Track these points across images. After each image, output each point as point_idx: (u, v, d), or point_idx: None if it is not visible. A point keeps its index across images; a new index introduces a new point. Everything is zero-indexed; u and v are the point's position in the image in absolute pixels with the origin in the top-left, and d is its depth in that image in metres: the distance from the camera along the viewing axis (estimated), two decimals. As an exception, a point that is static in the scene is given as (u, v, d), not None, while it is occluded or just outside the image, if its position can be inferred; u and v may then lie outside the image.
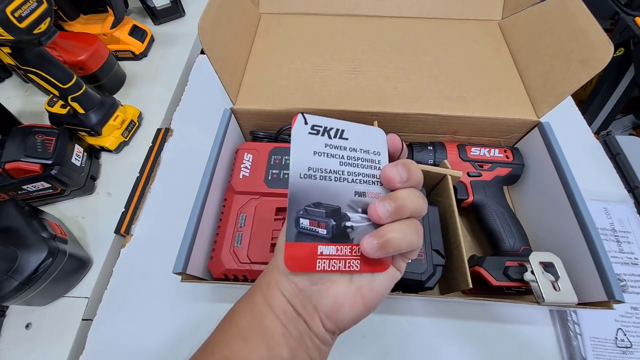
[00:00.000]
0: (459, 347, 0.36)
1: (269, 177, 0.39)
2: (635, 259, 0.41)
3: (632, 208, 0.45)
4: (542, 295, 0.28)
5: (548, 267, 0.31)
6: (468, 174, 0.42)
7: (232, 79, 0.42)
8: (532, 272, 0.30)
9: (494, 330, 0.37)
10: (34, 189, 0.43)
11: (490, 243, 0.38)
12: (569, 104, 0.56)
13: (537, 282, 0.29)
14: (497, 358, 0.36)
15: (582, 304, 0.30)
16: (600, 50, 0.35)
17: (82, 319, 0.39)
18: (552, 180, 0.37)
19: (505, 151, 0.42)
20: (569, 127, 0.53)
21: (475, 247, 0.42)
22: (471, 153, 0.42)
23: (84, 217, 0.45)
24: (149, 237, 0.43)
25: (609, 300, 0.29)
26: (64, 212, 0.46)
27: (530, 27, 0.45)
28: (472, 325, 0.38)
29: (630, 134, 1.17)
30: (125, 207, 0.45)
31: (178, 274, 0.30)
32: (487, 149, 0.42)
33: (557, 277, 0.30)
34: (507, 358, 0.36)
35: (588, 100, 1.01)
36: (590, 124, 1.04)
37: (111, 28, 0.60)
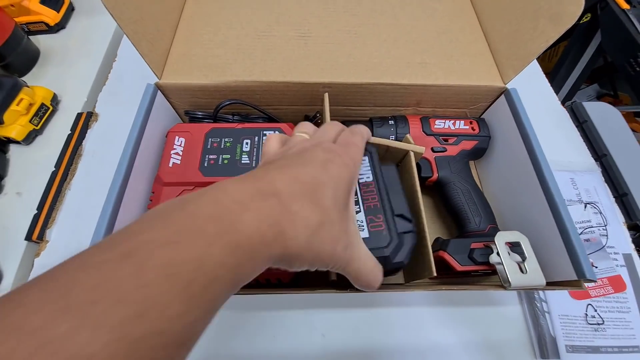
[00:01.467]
0: (426, 334, 0.34)
1: (205, 164, 0.33)
2: (605, 229, 0.40)
3: (599, 177, 0.44)
4: (507, 279, 0.25)
5: (515, 247, 0.28)
6: (432, 149, 0.38)
7: (154, 47, 0.35)
8: (498, 254, 0.27)
9: (461, 314, 0.35)
10: None
11: (456, 223, 0.35)
12: (536, 70, 0.53)
13: (503, 264, 0.26)
14: (465, 341, 0.34)
15: (551, 284, 0.28)
16: (570, 3, 0.31)
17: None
18: (520, 152, 0.34)
19: (471, 122, 0.39)
20: (536, 94, 0.50)
21: (442, 228, 0.39)
22: (435, 126, 0.38)
23: (-12, 223, 0.37)
24: (68, 243, 0.36)
25: (579, 279, 0.27)
26: (-37, 218, 0.38)
27: (495, -18, 0.41)
28: (439, 310, 0.35)
29: (594, 104, 1.20)
30: (37, 209, 0.37)
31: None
32: (452, 121, 0.39)
33: (523, 257, 0.27)
34: (475, 341, 0.34)
35: (554, 71, 1.00)
36: (555, 93, 1.05)
37: (19, -4, 0.49)
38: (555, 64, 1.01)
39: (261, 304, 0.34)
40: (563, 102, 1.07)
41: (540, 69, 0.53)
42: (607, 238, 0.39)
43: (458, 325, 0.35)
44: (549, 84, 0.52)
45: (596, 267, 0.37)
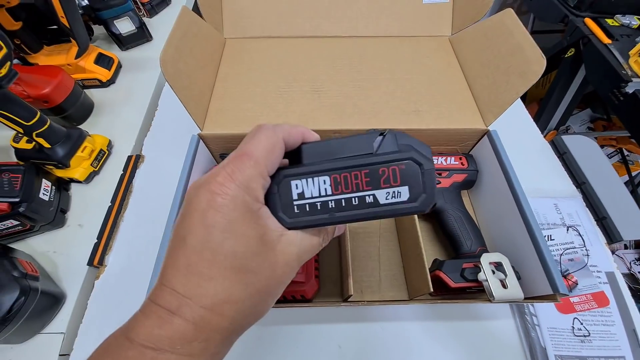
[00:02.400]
0: (428, 346, 0.38)
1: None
2: (587, 249, 0.45)
3: (581, 202, 0.49)
4: (492, 293, 0.31)
5: (499, 266, 0.34)
6: (428, 182, 0.44)
7: (198, 106, 0.43)
8: (484, 273, 0.33)
9: (460, 327, 0.40)
10: (3, 227, 0.42)
11: (452, 246, 0.41)
12: (520, 109, 0.60)
13: (487, 281, 0.32)
14: (463, 353, 0.38)
15: (531, 298, 0.33)
16: (534, 63, 0.39)
17: (60, 354, 0.38)
18: (501, 183, 0.40)
19: (460, 158, 0.45)
20: (521, 131, 0.57)
21: (441, 250, 0.45)
22: (430, 162, 0.45)
23: (55, 252, 0.45)
24: (124, 267, 0.43)
25: (554, 293, 0.32)
26: (35, 247, 0.45)
27: (475, 42, 0.49)
28: (440, 325, 0.40)
29: (589, 127, 1.26)
30: (97, 238, 0.45)
31: (150, 303, 0.31)
32: (444, 158, 0.45)
33: (505, 275, 0.32)
34: (473, 352, 0.38)
35: (546, 98, 1.08)
36: (549, 120, 1.11)
37: (76, 58, 0.60)
38: (547, 92, 1.08)
39: (285, 319, 0.40)
40: (557, 127, 1.13)
41: (525, 109, 0.60)
42: (589, 257, 0.44)
43: (459, 337, 0.39)
44: (533, 122, 0.58)
45: (577, 285, 0.42)
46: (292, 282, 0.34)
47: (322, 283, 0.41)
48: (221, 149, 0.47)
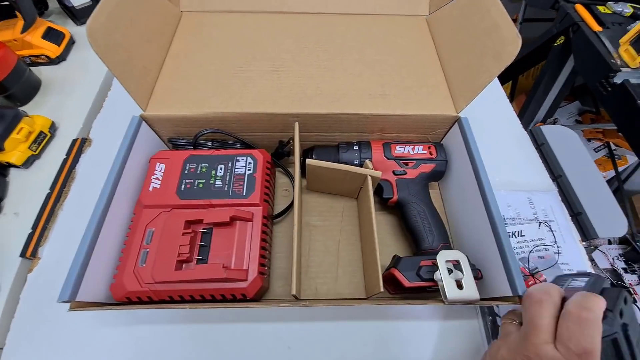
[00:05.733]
0: (388, 348, 0.36)
1: (182, 188, 0.37)
2: (558, 246, 0.43)
3: (556, 196, 0.47)
4: (445, 294, 0.28)
5: (458, 264, 0.31)
6: (394, 172, 0.41)
7: (140, 84, 0.39)
8: (440, 272, 0.30)
9: (419, 327, 0.37)
10: None
11: (413, 242, 0.38)
12: (500, 96, 0.57)
13: (442, 281, 0.29)
14: (424, 354, 0.36)
15: (488, 299, 0.31)
16: (509, 43, 0.35)
17: (-12, 351, 0.35)
18: (469, 175, 0.37)
19: (429, 147, 0.42)
20: (500, 119, 0.53)
21: (404, 247, 0.42)
22: (396, 151, 0.42)
23: (-13, 241, 0.41)
24: (59, 259, 0.40)
25: (514, 295, 0.29)
26: (-35, 236, 0.41)
27: (451, 22, 0.45)
28: (397, 325, 0.37)
29: (577, 120, 1.23)
30: (32, 228, 0.41)
31: (65, 302, 0.28)
32: (412, 146, 0.42)
33: (463, 274, 0.30)
34: (434, 354, 0.36)
35: (533, 88, 1.04)
36: (535, 112, 1.08)
37: (22, 32, 0.55)
38: (534, 83, 1.05)
39: (232, 317, 0.37)
40: (544, 120, 1.10)
41: (505, 95, 0.57)
42: (560, 255, 0.41)
43: (422, 337, 0.37)
44: (512, 109, 0.55)
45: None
46: (230, 279, 0.31)
47: (273, 279, 0.38)
48: (170, 132, 0.43)
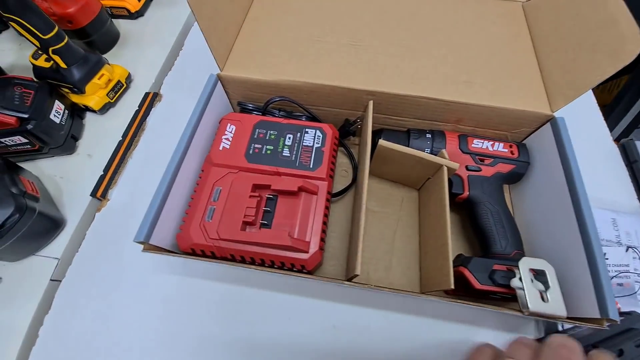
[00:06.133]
0: (436, 347, 0.34)
1: (250, 152, 0.36)
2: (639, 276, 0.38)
3: (644, 221, 0.42)
4: (527, 304, 0.26)
5: (539, 275, 0.28)
6: (467, 167, 0.38)
7: (221, 42, 0.39)
8: (520, 279, 0.27)
9: (475, 333, 0.35)
10: (12, 143, 0.41)
11: (481, 243, 0.36)
12: (590, 101, 0.51)
13: (524, 290, 0.26)
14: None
15: (572, 319, 0.28)
16: (629, 41, 0.31)
17: (51, 279, 0.38)
18: (559, 183, 0.34)
19: (510, 146, 0.39)
20: (586, 127, 0.48)
21: (465, 246, 0.39)
22: (473, 145, 0.38)
23: (62, 177, 0.44)
24: (125, 203, 0.41)
25: (602, 317, 0.26)
26: (43, 170, 0.44)
27: (556, 11, 0.40)
28: (451, 326, 0.35)
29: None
30: (104, 171, 0.43)
31: (140, 242, 0.28)
32: (491, 142, 0.39)
33: (547, 286, 0.27)
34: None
35: (612, 104, 0.94)
36: (611, 129, 0.98)
37: (106, -17, 0.57)
38: (615, 97, 0.94)
39: (283, 287, 0.37)
40: (618, 139, 1.00)
41: (595, 101, 0.51)
42: (643, 285, 0.37)
43: (468, 345, 0.35)
44: (602, 118, 0.49)
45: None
46: (294, 248, 0.30)
47: (325, 258, 0.38)
48: (240, 96, 0.42)
